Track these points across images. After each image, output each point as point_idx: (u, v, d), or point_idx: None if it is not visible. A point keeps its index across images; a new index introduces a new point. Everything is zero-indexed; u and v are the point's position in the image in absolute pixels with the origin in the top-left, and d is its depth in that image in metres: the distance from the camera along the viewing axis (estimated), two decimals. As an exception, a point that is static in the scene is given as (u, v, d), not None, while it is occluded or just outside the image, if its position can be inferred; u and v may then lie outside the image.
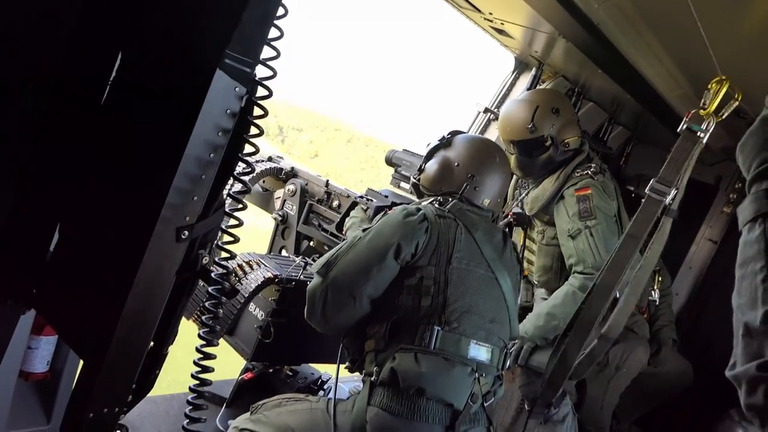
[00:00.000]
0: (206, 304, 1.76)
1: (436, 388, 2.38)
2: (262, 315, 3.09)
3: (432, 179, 2.84)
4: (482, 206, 2.79)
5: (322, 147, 59.56)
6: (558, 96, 3.98)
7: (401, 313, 2.46)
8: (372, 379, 2.44)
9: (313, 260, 3.37)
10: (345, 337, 2.62)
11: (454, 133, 2.93)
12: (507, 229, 3.89)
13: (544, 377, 3.09)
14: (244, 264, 3.15)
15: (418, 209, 2.56)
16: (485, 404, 2.53)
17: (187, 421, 1.80)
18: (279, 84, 1.58)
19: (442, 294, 2.46)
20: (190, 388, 1.78)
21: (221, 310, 3.02)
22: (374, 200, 3.37)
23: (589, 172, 3.67)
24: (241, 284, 3.03)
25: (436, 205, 2.66)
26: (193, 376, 1.78)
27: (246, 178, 1.67)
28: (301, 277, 3.17)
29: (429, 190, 2.85)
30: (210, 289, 1.71)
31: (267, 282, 3.02)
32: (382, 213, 2.76)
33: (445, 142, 2.89)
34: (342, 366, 2.67)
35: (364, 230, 2.54)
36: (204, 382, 1.79)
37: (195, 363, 1.77)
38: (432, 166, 2.86)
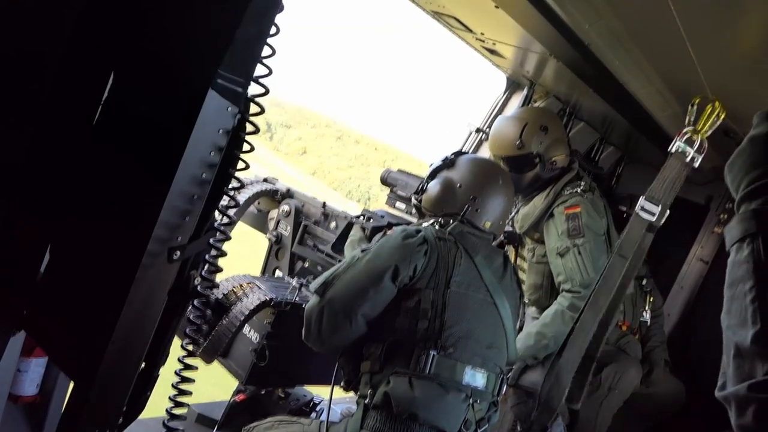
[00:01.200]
0: (190, 316, 1.73)
1: (429, 414, 2.35)
2: (257, 337, 3.07)
3: (434, 200, 2.82)
4: (483, 228, 2.77)
5: (311, 144, 59.60)
6: (547, 114, 3.99)
7: (397, 336, 2.44)
8: (366, 401, 2.42)
9: (308, 281, 3.35)
10: (341, 357, 2.60)
11: (458, 154, 2.92)
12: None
13: (539, 399, 3.09)
14: (238, 286, 3.13)
15: (418, 231, 2.55)
16: (479, 430, 2.50)
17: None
18: (269, 80, 1.58)
19: (440, 318, 2.44)
20: (172, 385, 1.76)
21: (214, 332, 3.00)
22: (371, 220, 3.36)
23: (579, 190, 3.68)
24: (237, 307, 3.00)
25: (437, 227, 2.64)
26: (174, 385, 1.76)
27: (237, 195, 1.67)
28: (297, 299, 3.15)
29: (430, 210, 2.83)
30: (195, 302, 1.69)
31: (262, 305, 3.00)
32: (381, 234, 2.75)
33: (448, 163, 2.88)
34: (322, 385, 2.65)
35: (363, 250, 2.52)
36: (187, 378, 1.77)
37: (179, 358, 1.76)
38: (434, 186, 2.84)
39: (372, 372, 2.46)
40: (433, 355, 2.39)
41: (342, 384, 2.64)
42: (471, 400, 2.46)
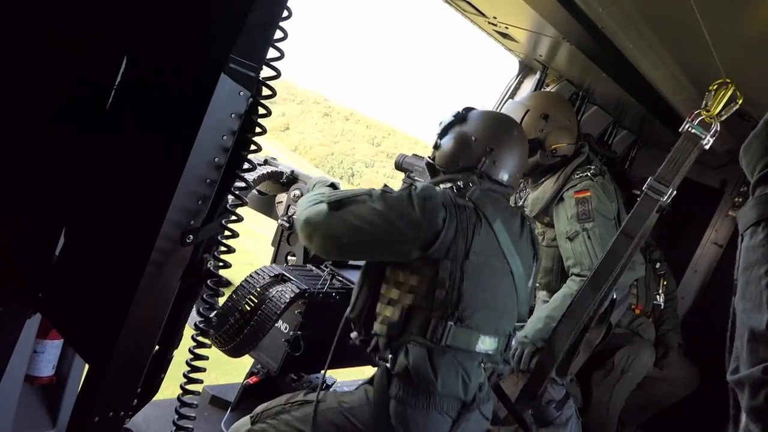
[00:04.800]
0: (204, 296, 1.73)
1: (446, 387, 2.39)
2: (286, 327, 3.08)
3: (448, 155, 2.73)
4: (502, 182, 2.71)
5: (294, 120, 59.19)
6: (554, 102, 3.90)
7: (414, 302, 2.44)
8: (387, 366, 2.44)
9: (324, 267, 3.35)
10: (351, 313, 2.59)
11: (468, 109, 2.83)
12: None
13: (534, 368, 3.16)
14: (269, 278, 3.09)
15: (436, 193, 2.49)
16: (490, 384, 2.59)
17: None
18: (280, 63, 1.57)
19: (458, 289, 2.42)
20: (183, 375, 1.77)
21: (249, 328, 2.99)
22: None
23: (589, 174, 3.67)
24: (272, 301, 2.97)
25: (455, 191, 2.56)
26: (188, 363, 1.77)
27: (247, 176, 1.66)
28: (327, 289, 3.15)
29: (445, 167, 2.75)
30: (209, 282, 1.69)
31: (297, 297, 2.99)
32: None
33: (460, 118, 2.78)
34: (345, 368, 2.65)
35: (382, 192, 2.46)
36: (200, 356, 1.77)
37: (192, 346, 1.77)
38: (448, 142, 2.75)
39: (390, 336, 2.46)
40: (451, 326, 2.40)
41: (358, 341, 2.62)
42: (483, 365, 2.51)
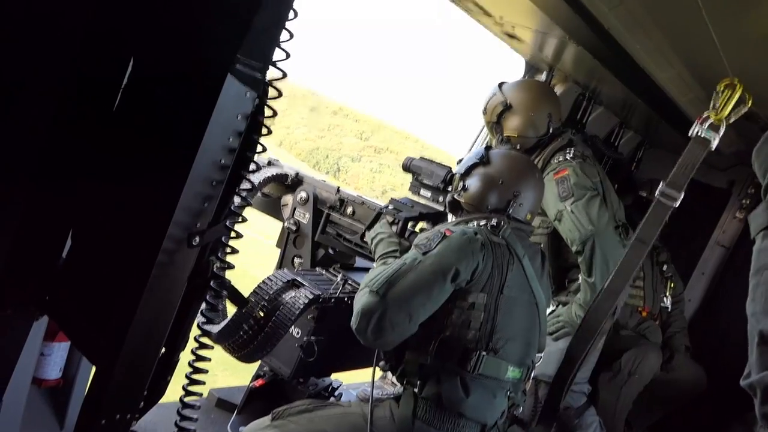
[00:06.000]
0: (207, 298, 1.73)
1: (476, 412, 2.53)
2: (298, 332, 3.08)
3: (477, 198, 2.86)
4: (525, 221, 2.88)
5: (280, 114, 59.64)
6: (525, 93, 3.95)
7: (449, 333, 2.55)
8: (415, 390, 2.56)
9: (336, 271, 3.35)
10: None
11: (488, 149, 2.97)
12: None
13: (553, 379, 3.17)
14: (282, 284, 3.07)
15: (476, 233, 2.62)
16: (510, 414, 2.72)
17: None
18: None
19: (492, 321, 2.55)
20: (186, 376, 1.77)
21: (263, 335, 2.98)
22: (402, 211, 3.30)
23: (569, 157, 3.67)
24: (286, 307, 2.96)
25: (489, 229, 2.71)
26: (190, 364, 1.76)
27: (252, 178, 1.66)
28: (339, 294, 3.15)
29: (474, 208, 2.87)
30: (212, 283, 1.68)
31: (311, 303, 2.98)
32: (414, 223, 2.76)
33: (484, 160, 2.91)
34: (354, 370, 2.68)
35: (424, 253, 2.54)
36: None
37: (195, 343, 1.77)
38: (475, 184, 2.88)
39: (422, 364, 2.57)
40: (483, 355, 2.52)
41: (384, 366, 2.74)
42: (509, 393, 2.65)
